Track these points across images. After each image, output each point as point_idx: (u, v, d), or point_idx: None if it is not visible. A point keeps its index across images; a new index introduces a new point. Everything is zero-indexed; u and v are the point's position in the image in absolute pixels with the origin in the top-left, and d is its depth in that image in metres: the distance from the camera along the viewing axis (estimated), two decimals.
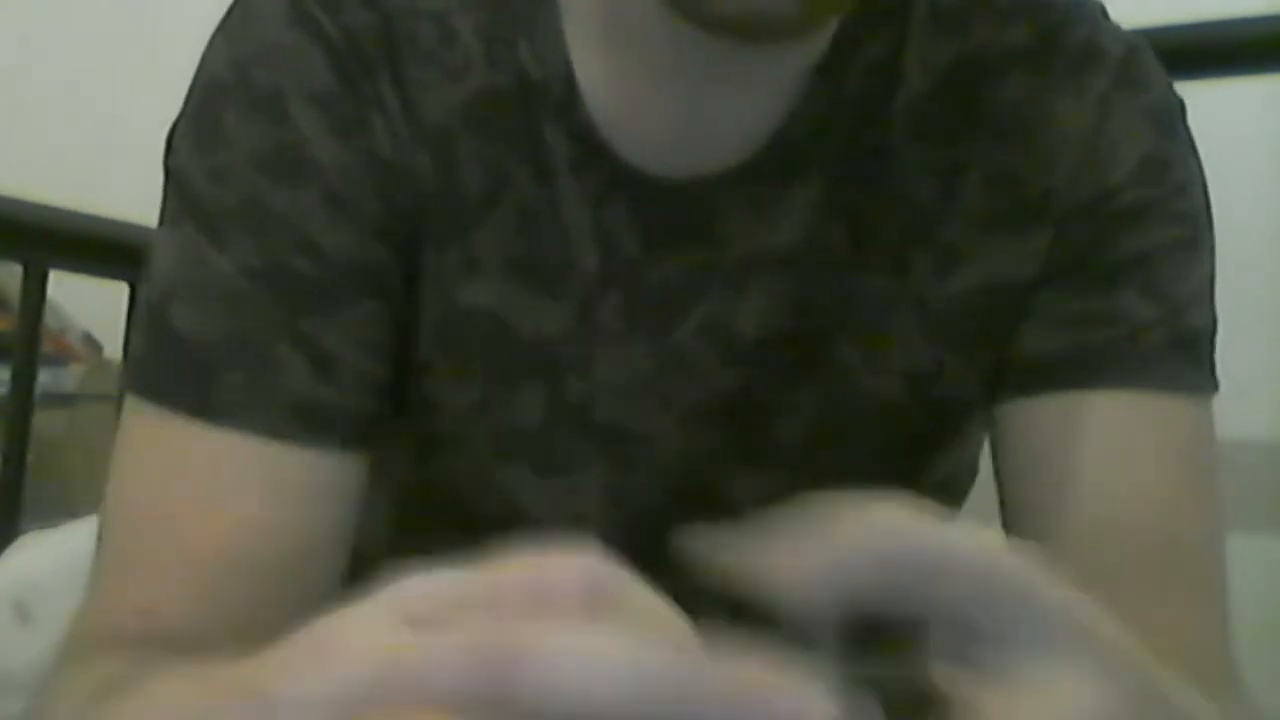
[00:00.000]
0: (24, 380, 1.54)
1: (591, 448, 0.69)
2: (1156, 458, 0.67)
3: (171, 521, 0.63)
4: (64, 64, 2.19)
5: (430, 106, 0.67)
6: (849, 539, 0.37)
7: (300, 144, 0.65)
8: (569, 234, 0.67)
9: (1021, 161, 0.69)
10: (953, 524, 0.39)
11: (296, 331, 0.64)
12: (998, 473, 0.71)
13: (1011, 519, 0.70)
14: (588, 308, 0.68)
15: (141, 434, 0.66)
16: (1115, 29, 0.72)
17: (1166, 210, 0.69)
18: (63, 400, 1.89)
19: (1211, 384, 0.70)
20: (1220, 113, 1.03)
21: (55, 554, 1.23)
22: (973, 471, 0.75)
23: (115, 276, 1.55)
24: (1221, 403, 0.69)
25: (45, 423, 1.65)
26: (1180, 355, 0.68)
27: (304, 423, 0.64)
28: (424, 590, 0.33)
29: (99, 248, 1.58)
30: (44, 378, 1.64)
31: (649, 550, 0.42)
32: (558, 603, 0.31)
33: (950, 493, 0.74)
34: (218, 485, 0.63)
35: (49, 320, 1.66)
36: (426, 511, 0.72)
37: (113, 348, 1.89)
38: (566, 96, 0.67)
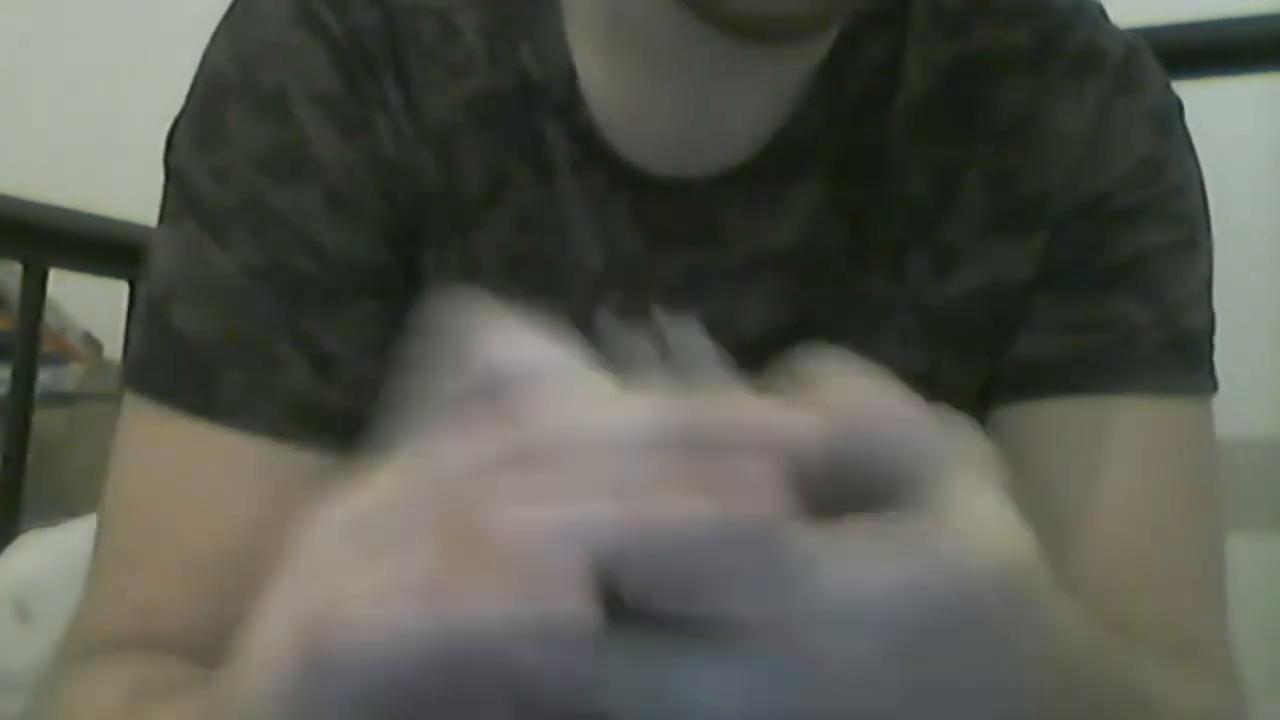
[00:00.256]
0: (24, 379, 1.54)
1: None
2: (1153, 460, 0.67)
3: (171, 521, 0.63)
4: (63, 63, 2.19)
5: (433, 105, 0.67)
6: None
7: (303, 144, 0.65)
8: (570, 233, 0.67)
9: (1021, 163, 0.69)
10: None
11: (297, 331, 0.64)
12: None
13: None
14: (589, 307, 0.68)
15: (141, 433, 0.66)
16: (1115, 30, 0.72)
17: (1163, 211, 0.69)
18: (63, 400, 1.88)
19: (1210, 385, 0.70)
20: (1219, 112, 1.03)
21: (55, 553, 1.23)
22: None
23: (115, 275, 1.55)
24: (1221, 403, 0.69)
25: (45, 422, 1.64)
26: (1177, 358, 0.68)
27: (304, 423, 0.64)
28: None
29: (99, 247, 1.58)
30: (44, 377, 1.64)
31: None
32: None
33: None
34: (217, 485, 0.63)
35: (49, 319, 1.66)
36: None
37: (113, 347, 1.89)
38: (568, 96, 0.67)
